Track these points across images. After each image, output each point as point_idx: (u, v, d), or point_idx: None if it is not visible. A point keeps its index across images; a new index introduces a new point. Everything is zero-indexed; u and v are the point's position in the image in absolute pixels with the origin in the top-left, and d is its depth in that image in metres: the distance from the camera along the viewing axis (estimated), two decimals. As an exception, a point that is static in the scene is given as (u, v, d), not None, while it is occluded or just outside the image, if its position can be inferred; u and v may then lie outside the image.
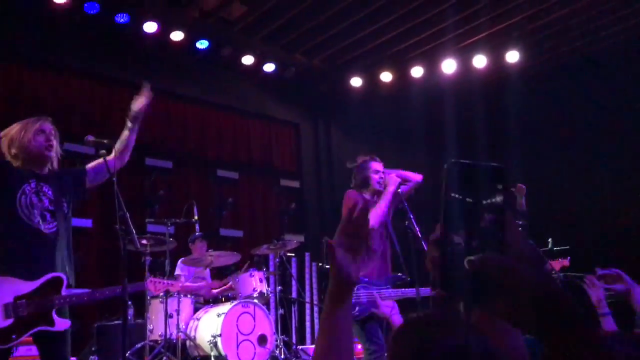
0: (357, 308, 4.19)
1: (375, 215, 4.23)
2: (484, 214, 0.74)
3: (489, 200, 0.75)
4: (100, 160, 3.34)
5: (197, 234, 6.50)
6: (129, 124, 3.54)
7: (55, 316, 3.14)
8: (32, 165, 3.27)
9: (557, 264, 5.19)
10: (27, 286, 3.09)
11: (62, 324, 3.16)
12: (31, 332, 3.06)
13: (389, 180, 4.39)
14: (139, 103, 3.58)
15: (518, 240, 0.77)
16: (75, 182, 3.40)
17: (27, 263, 3.12)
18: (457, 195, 0.74)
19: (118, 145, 3.46)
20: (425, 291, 4.16)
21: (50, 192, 3.25)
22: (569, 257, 5.29)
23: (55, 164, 3.38)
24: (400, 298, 4.31)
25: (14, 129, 3.33)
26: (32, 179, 3.23)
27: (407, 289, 4.26)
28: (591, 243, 7.31)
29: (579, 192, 8.27)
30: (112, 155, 3.42)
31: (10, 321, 3.00)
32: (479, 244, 0.73)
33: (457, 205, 0.74)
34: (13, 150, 3.27)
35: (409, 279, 4.36)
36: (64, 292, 3.19)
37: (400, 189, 4.36)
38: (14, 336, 3.01)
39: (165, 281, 3.99)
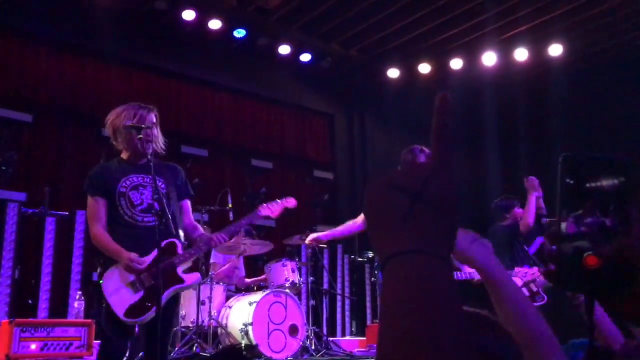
0: None
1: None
2: (606, 206, 0.69)
3: (610, 192, 0.69)
4: None
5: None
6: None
7: (182, 274, 3.28)
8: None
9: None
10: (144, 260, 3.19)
11: (191, 278, 3.32)
12: (166, 294, 3.17)
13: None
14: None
15: None
16: None
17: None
18: (573, 188, 0.69)
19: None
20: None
21: None
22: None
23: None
24: None
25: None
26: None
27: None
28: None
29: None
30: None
31: (140, 293, 3.14)
32: (588, 237, 0.68)
33: (574, 197, 0.69)
34: None
35: None
36: (180, 251, 3.29)
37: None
38: (148, 304, 3.12)
39: (280, 201, 3.91)
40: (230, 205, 6.06)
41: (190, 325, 5.55)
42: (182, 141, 7.90)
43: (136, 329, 3.30)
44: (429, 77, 8.97)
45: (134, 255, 3.12)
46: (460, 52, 8.63)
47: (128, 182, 3.27)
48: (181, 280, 3.28)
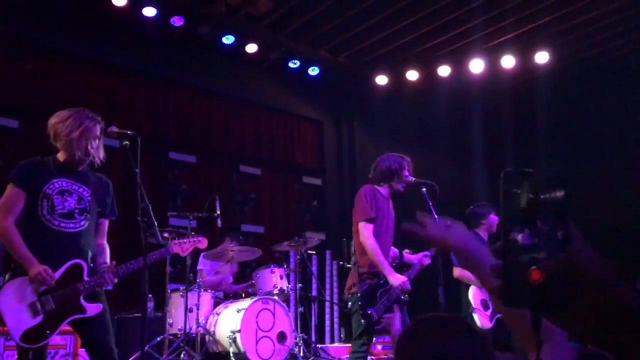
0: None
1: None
2: (547, 219, 0.71)
3: (551, 206, 0.72)
4: None
5: (233, 234, 6.64)
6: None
7: (84, 303, 3.13)
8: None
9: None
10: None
11: (93, 309, 3.15)
12: (64, 323, 3.06)
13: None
14: None
15: (584, 246, 0.72)
16: None
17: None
18: (516, 202, 0.72)
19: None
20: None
21: None
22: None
23: None
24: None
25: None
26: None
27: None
28: (622, 250, 7.09)
29: (610, 196, 8.06)
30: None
31: (39, 318, 3.01)
32: (544, 249, 0.69)
33: (516, 212, 0.72)
34: None
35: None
36: (86, 278, 3.16)
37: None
38: (47, 332, 3.01)
39: (191, 239, 3.86)
40: (218, 212, 6.03)
41: (178, 332, 5.53)
42: (170, 147, 7.88)
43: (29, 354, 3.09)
44: (417, 84, 9.01)
45: (45, 267, 3.01)
46: (448, 59, 8.68)
47: (56, 185, 3.20)
48: (83, 310, 3.12)
